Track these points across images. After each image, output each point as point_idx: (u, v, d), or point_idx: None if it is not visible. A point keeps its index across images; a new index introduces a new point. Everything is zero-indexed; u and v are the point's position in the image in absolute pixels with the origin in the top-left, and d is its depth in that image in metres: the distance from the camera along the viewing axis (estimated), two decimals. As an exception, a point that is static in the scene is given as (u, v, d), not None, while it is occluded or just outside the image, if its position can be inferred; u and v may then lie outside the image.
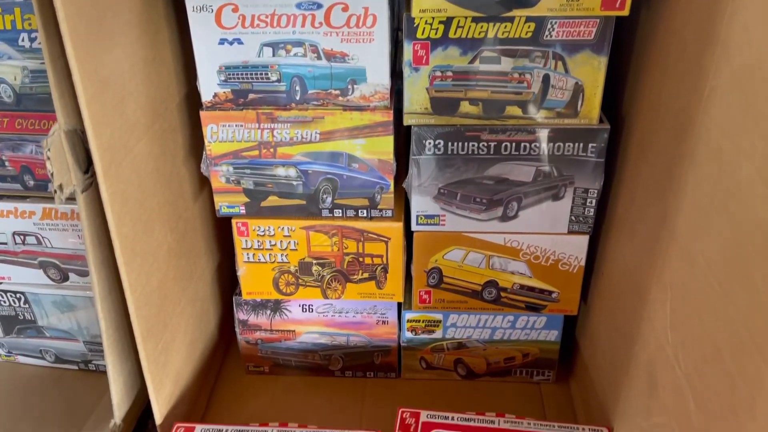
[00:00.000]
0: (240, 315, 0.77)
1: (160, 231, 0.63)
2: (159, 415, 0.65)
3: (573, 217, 0.67)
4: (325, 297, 0.73)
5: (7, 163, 0.69)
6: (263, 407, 0.77)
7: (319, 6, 0.58)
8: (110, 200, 0.53)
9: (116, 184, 0.53)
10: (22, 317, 0.78)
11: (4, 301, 0.77)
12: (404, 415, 0.65)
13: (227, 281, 0.82)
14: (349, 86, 0.62)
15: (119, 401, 0.67)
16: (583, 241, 0.68)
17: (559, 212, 0.67)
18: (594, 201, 0.65)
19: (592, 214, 0.66)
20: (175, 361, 0.68)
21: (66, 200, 0.53)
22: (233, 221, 0.69)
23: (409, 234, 0.70)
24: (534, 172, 0.65)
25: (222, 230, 0.79)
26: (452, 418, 0.64)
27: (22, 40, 0.61)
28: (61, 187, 0.51)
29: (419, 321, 0.76)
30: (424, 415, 0.65)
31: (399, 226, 0.68)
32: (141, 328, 0.59)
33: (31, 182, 0.70)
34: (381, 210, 0.68)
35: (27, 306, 0.77)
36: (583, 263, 0.69)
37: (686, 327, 0.46)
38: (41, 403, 0.76)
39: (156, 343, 0.63)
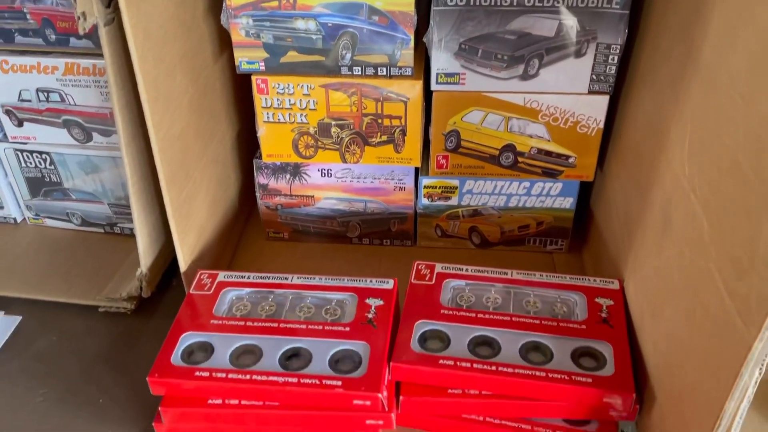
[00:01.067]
0: (260, 179, 0.78)
1: (182, 80, 0.64)
2: (183, 263, 0.68)
3: (594, 76, 0.66)
4: (344, 161, 0.74)
5: (28, 16, 0.69)
6: (282, 271, 0.79)
7: None
8: (133, 33, 0.53)
9: (138, 17, 0.54)
10: (48, 179, 0.80)
11: (30, 162, 0.79)
12: (419, 267, 0.67)
13: (247, 152, 0.83)
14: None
15: (145, 250, 0.69)
16: (603, 101, 0.68)
17: (580, 70, 0.66)
18: (616, 58, 0.65)
19: (613, 72, 0.66)
20: (198, 215, 0.70)
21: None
22: (253, 78, 0.69)
23: (428, 97, 0.70)
24: (557, 26, 0.64)
25: (242, 97, 0.79)
26: (466, 270, 0.66)
27: None
28: (84, 15, 0.52)
29: (436, 187, 0.77)
30: (439, 267, 0.66)
31: (419, 84, 0.68)
32: (165, 172, 0.61)
33: (53, 36, 0.70)
34: (401, 68, 0.68)
35: (53, 167, 0.79)
36: (602, 125, 0.69)
37: (704, 151, 0.46)
38: (69, 261, 0.79)
39: (179, 191, 0.65)
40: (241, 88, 0.78)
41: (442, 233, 0.80)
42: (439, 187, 0.77)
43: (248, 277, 0.66)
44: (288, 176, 0.77)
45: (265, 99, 0.70)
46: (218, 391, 0.56)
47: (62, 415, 0.62)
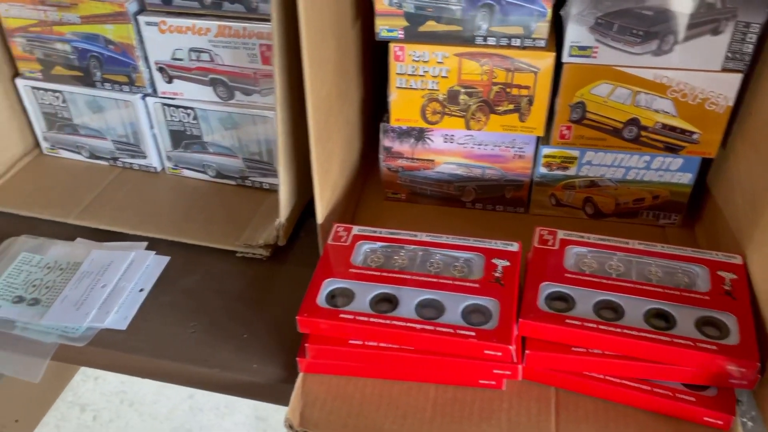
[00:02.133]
0: (385, 142, 0.82)
1: (329, 44, 0.68)
2: (321, 215, 0.73)
3: (729, 54, 0.67)
4: (468, 128, 0.78)
5: (188, -19, 0.75)
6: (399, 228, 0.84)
7: None
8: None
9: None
10: (189, 132, 0.87)
11: (176, 116, 0.86)
12: (542, 232, 0.70)
13: (370, 115, 0.87)
14: None
15: (285, 202, 0.75)
16: (736, 80, 0.68)
17: (715, 48, 0.67)
18: (755, 36, 0.65)
19: (750, 50, 0.66)
20: (333, 170, 0.75)
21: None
22: (391, 46, 0.73)
23: (557, 68, 0.73)
24: (697, 2, 0.65)
25: (369, 62, 0.83)
26: (588, 238, 0.69)
27: None
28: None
29: (555, 157, 0.79)
30: (561, 233, 0.70)
31: (551, 56, 0.71)
32: (314, 131, 0.66)
33: (208, 0, 0.76)
34: (534, 39, 0.70)
35: (195, 122, 0.85)
36: (731, 103, 0.70)
37: None
38: (206, 208, 0.86)
39: (323, 149, 0.70)
40: (370, 54, 0.82)
41: (557, 202, 0.83)
42: (559, 157, 0.79)
43: (380, 232, 0.71)
44: (412, 140, 0.82)
45: (401, 66, 0.74)
46: (359, 333, 0.61)
47: (212, 346, 0.69)
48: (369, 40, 0.73)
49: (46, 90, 0.88)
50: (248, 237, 0.80)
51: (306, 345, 0.62)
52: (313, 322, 0.62)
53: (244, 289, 0.76)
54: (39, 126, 0.93)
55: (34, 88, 0.89)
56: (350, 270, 0.67)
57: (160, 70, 0.82)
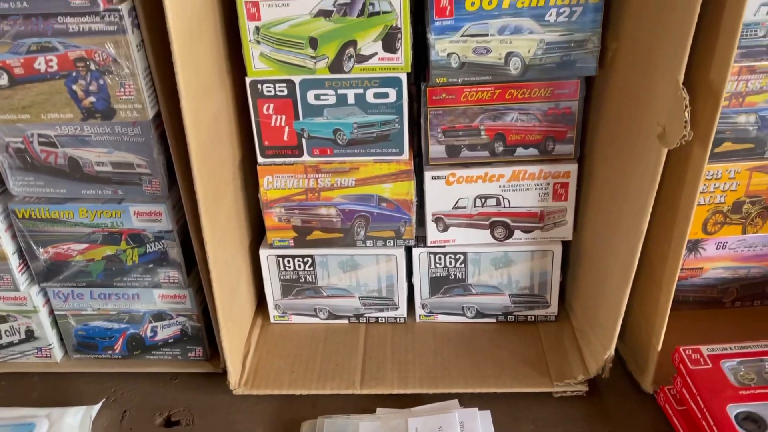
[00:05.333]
0: (656, 257, 0.85)
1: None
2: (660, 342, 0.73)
3: None
4: (744, 233, 0.82)
5: (483, 133, 0.76)
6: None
7: None
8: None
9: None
10: (452, 277, 0.85)
11: (441, 263, 0.84)
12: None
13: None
14: None
15: (612, 330, 0.75)
16: None
17: None
18: None
19: None
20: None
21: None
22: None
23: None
24: None
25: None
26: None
27: (549, 15, 0.68)
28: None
29: (820, 248, 0.84)
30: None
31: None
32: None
33: (501, 148, 0.77)
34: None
35: (462, 265, 0.84)
36: None
37: None
38: (487, 352, 0.84)
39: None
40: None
41: (815, 289, 0.88)
42: (824, 248, 0.85)
43: (731, 348, 0.72)
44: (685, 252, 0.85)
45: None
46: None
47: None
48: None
49: (293, 257, 0.85)
50: (558, 374, 0.79)
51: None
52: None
53: (594, 429, 0.74)
54: (273, 295, 0.88)
55: (279, 256, 0.85)
56: (740, 392, 0.67)
57: (437, 220, 0.81)
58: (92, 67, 0.61)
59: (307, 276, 0.87)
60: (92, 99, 0.63)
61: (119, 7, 0.58)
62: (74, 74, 0.61)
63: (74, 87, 0.62)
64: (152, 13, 0.60)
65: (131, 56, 0.60)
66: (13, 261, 0.75)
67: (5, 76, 0.61)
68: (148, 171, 0.70)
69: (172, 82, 0.60)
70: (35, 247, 0.74)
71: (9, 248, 0.75)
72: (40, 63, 0.60)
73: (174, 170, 0.69)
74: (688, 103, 0.57)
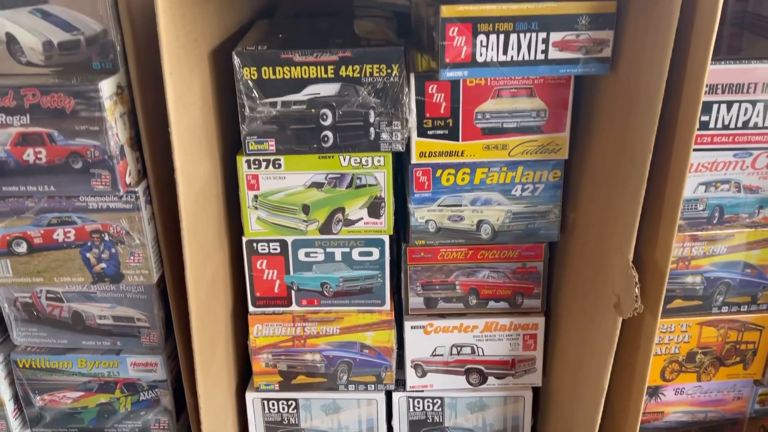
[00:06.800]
0: (620, 402, 0.90)
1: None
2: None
3: None
4: (699, 380, 0.88)
5: (458, 287, 0.83)
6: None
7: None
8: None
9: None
10: (430, 420, 0.90)
11: (419, 407, 0.89)
12: None
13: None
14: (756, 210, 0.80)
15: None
16: None
17: None
18: None
19: None
20: None
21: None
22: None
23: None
24: None
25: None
26: None
27: (515, 190, 0.77)
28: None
29: (769, 394, 0.91)
30: None
31: (775, 315, 0.85)
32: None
33: (474, 301, 0.84)
34: (759, 304, 0.85)
35: (440, 410, 0.89)
36: None
37: None
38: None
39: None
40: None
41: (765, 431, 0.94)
42: (773, 394, 0.91)
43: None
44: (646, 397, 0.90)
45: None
46: None
47: None
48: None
49: (278, 400, 0.89)
50: None
51: None
52: None
53: None
54: (256, 435, 0.91)
55: (264, 399, 0.89)
56: None
57: (415, 367, 0.87)
58: (106, 238, 0.67)
59: (291, 418, 0.90)
60: (103, 265, 0.69)
61: (136, 189, 0.65)
62: (89, 244, 0.67)
63: (88, 255, 0.68)
64: (162, 192, 0.68)
65: (143, 230, 0.67)
66: (9, 407, 0.78)
67: (24, 245, 0.67)
68: (147, 324, 0.75)
69: (177, 248, 0.67)
70: (32, 395, 0.78)
71: (6, 395, 0.78)
72: (58, 234, 0.67)
73: (171, 322, 0.74)
74: (637, 280, 0.65)
